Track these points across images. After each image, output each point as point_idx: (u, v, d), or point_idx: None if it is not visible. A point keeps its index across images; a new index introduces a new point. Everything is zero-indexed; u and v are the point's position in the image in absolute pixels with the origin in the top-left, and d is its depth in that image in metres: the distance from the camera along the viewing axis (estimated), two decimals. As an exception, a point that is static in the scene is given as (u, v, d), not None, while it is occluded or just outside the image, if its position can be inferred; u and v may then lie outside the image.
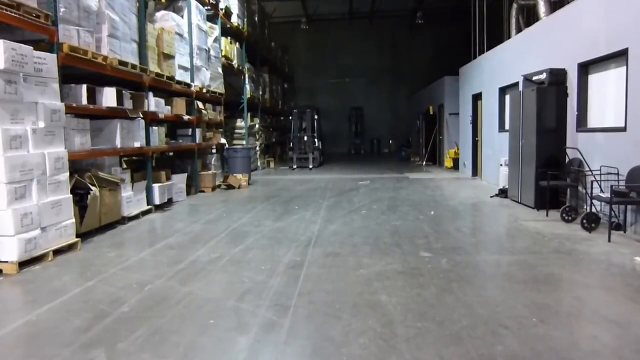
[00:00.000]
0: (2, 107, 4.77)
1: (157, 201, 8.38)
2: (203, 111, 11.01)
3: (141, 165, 8.50)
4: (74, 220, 5.71)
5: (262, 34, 18.52)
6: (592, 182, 6.37)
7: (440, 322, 3.42)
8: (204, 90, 11.13)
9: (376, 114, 27.60)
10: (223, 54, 12.89)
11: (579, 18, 7.57)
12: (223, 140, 12.52)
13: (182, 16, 10.13)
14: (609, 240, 5.71)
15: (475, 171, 13.41)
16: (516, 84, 9.81)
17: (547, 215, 7.40)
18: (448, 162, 16.09)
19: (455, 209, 8.33)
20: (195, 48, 10.53)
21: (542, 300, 3.84)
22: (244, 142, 15.49)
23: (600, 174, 6.60)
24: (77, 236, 5.78)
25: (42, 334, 3.38)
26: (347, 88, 27.45)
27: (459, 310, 3.65)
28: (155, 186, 8.40)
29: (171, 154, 10.61)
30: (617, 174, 6.33)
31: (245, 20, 15.53)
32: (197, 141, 10.56)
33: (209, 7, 11.77)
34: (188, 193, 10.06)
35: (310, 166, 17.29)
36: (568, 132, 7.69)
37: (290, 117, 18.47)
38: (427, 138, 18.83)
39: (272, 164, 18.86)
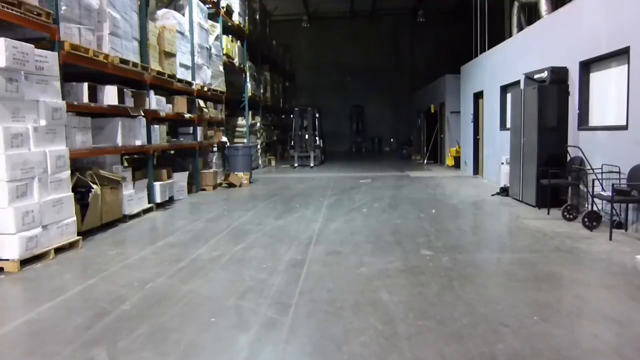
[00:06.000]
0: (3, 105, 4.77)
1: (158, 199, 8.38)
2: (204, 109, 11.01)
3: (142, 163, 8.49)
4: (75, 218, 5.72)
5: (263, 33, 18.51)
6: (593, 180, 6.36)
7: (441, 321, 3.42)
8: (205, 89, 11.12)
9: (377, 113, 27.59)
10: (224, 52, 12.89)
11: (580, 16, 7.55)
12: (224, 139, 12.52)
13: (183, 14, 10.12)
14: (611, 239, 5.71)
15: (476, 169, 13.40)
16: (517, 82, 9.79)
17: (548, 213, 7.39)
18: (449, 161, 16.08)
19: (456, 208, 8.33)
20: (196, 46, 10.53)
21: (543, 298, 3.84)
22: (245, 141, 15.48)
23: (602, 173, 6.59)
24: (78, 234, 5.79)
25: (44, 332, 3.38)
26: (348, 86, 27.42)
27: (460, 308, 3.65)
28: (157, 184, 8.41)
29: (172, 152, 10.62)
30: (619, 172, 6.32)
31: (246, 18, 15.53)
32: (198, 139, 10.56)
33: (210, 6, 11.77)
34: (189, 191, 10.07)
35: (312, 164, 17.28)
36: (569, 131, 7.68)
37: (292, 116, 18.47)
38: (429, 136, 18.82)
39: (273, 163, 18.86)
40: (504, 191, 9.43)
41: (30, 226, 4.97)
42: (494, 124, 11.41)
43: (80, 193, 6.27)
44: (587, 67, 7.43)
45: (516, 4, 11.82)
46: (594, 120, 7.41)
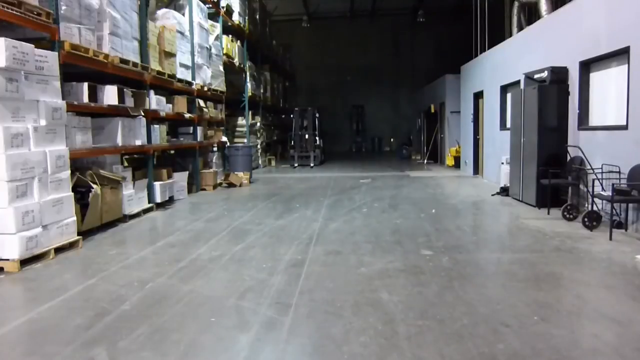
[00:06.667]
0: (3, 105, 4.77)
1: (158, 199, 8.38)
2: (204, 109, 11.01)
3: (142, 163, 8.50)
4: (75, 218, 5.72)
5: (263, 32, 18.50)
6: (593, 180, 6.36)
7: (441, 321, 3.42)
8: (205, 89, 11.12)
9: (377, 112, 27.59)
10: (224, 52, 12.89)
11: (580, 16, 7.55)
12: (224, 139, 12.52)
13: (183, 14, 10.12)
14: (611, 239, 5.71)
15: (476, 169, 13.40)
16: (517, 82, 9.79)
17: (548, 213, 7.39)
18: (449, 161, 16.08)
19: (457, 207, 8.33)
20: (196, 46, 10.53)
21: (543, 298, 3.84)
22: (245, 140, 15.49)
23: (602, 172, 6.59)
24: (78, 234, 5.79)
25: (44, 331, 3.38)
26: (348, 86, 27.42)
27: (460, 308, 3.65)
28: (157, 184, 8.41)
29: (172, 152, 10.62)
30: (619, 172, 6.32)
31: (246, 18, 15.53)
32: (199, 139, 10.56)
33: (210, 5, 11.77)
34: (189, 191, 10.07)
35: (312, 164, 17.28)
36: (569, 131, 7.68)
37: (292, 115, 18.47)
38: (429, 136, 18.82)
39: (273, 162, 18.86)
40: (504, 191, 9.43)
41: (30, 226, 4.97)
42: (494, 124, 11.41)
43: (80, 193, 6.27)
44: (587, 67, 7.43)
45: (516, 4, 11.81)
46: (594, 120, 7.41)
